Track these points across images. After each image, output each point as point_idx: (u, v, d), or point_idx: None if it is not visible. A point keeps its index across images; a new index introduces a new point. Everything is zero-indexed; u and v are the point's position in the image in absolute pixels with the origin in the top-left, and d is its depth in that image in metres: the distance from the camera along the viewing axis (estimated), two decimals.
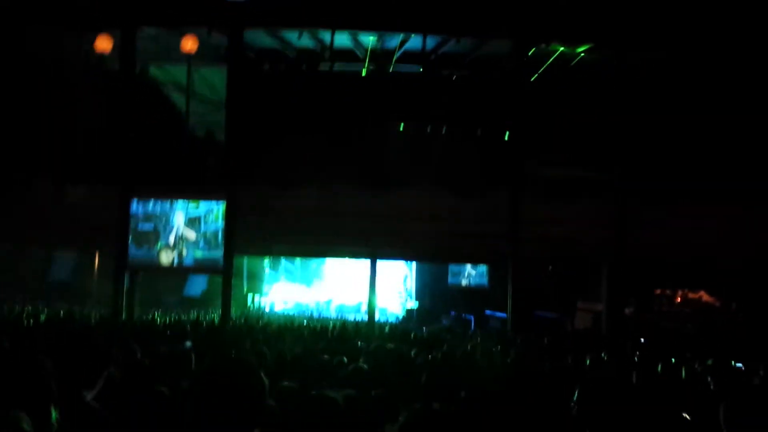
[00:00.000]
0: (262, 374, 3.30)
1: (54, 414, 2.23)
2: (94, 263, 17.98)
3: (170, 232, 13.51)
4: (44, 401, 2.42)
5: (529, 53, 13.85)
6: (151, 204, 13.56)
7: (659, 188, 13.11)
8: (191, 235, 13.47)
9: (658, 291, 16.62)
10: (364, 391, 3.61)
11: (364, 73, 15.10)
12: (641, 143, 13.39)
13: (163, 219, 13.54)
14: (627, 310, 15.04)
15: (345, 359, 5.21)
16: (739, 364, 7.21)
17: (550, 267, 16.53)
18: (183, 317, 13.73)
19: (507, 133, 14.10)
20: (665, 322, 15.59)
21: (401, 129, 14.81)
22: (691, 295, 16.37)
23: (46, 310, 13.15)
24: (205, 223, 13.50)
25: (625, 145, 13.43)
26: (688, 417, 2.82)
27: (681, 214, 12.99)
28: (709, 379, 5.40)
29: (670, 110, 13.15)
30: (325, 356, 5.43)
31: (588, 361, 6.74)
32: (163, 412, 3.12)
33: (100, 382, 3.07)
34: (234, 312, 14.76)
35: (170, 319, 12.59)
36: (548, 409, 3.09)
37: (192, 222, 13.50)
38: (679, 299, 16.60)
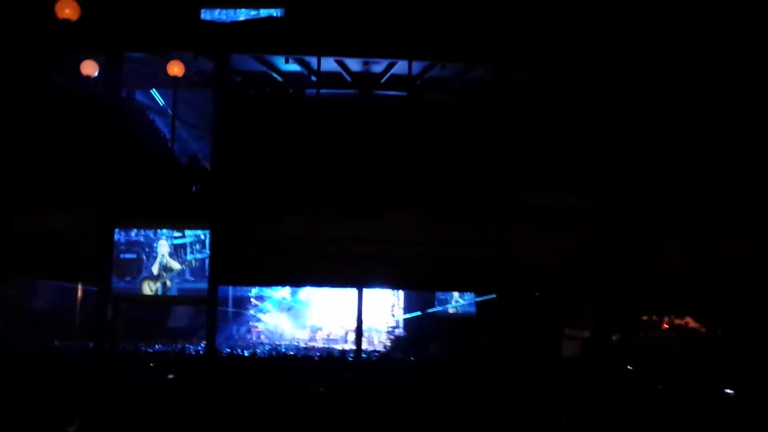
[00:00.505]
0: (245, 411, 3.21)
1: None
2: (77, 293, 17.70)
3: (153, 262, 13.38)
4: None
5: (514, 78, 14.02)
6: (133, 233, 13.44)
7: (647, 214, 13.22)
8: (175, 265, 13.35)
9: (645, 317, 16.63)
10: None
11: (349, 97, 15.20)
12: (629, 169, 13.52)
13: (146, 248, 13.41)
14: (614, 337, 15.01)
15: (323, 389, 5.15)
16: (729, 390, 7.21)
17: (537, 293, 16.51)
18: (168, 349, 13.55)
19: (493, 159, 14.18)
20: (652, 347, 15.58)
21: (387, 154, 14.84)
22: (677, 321, 16.41)
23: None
24: (192, 252, 13.40)
25: (613, 170, 13.56)
26: None
27: (668, 240, 13.09)
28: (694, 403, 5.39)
29: (658, 136, 13.33)
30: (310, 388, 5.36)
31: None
32: None
33: (78, 419, 3.00)
34: (219, 342, 14.56)
35: (155, 351, 12.41)
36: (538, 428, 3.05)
37: (177, 249, 13.38)
38: (665, 325, 16.62)
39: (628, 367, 12.18)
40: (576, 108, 14.11)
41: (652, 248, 13.11)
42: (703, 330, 15.87)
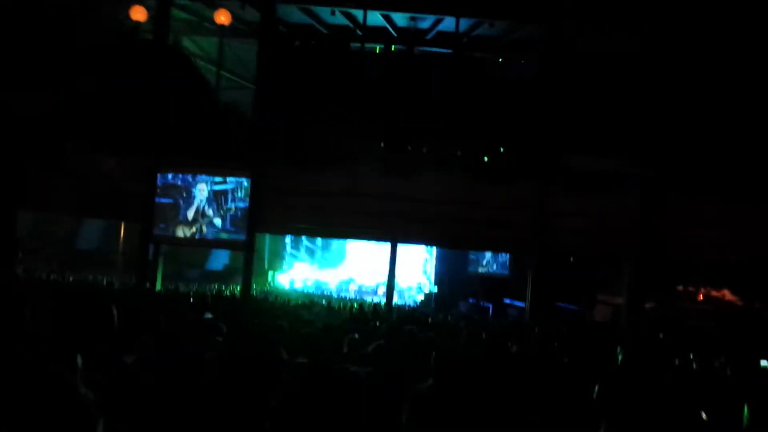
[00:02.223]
0: (281, 348, 3.35)
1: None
2: (120, 233, 18.26)
3: (189, 207, 13.46)
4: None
5: (563, 39, 13.66)
6: (170, 176, 13.50)
7: (687, 184, 12.92)
8: (211, 211, 13.46)
9: (681, 287, 16.43)
10: (384, 368, 3.65)
11: (394, 52, 15.02)
12: (675, 138, 13.18)
13: (183, 192, 13.52)
14: (647, 305, 14.90)
15: (357, 336, 5.26)
16: (765, 362, 7.15)
17: (572, 258, 16.41)
18: (205, 290, 13.91)
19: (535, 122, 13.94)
20: (686, 318, 15.43)
21: (429, 111, 14.71)
22: (713, 293, 16.17)
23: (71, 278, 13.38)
24: (233, 200, 13.48)
25: (656, 137, 13.23)
26: (705, 416, 2.80)
27: (708, 210, 12.81)
28: (729, 375, 5.37)
29: (704, 103, 12.92)
30: (342, 335, 5.49)
31: (608, 355, 6.72)
32: (190, 378, 3.18)
33: (137, 347, 3.16)
34: (255, 288, 14.91)
35: (192, 291, 12.77)
36: (566, 399, 3.10)
37: (216, 196, 13.53)
38: (701, 297, 16.40)
39: (660, 335, 12.11)
40: (627, 72, 13.71)
41: (694, 217, 12.85)
42: (739, 303, 15.63)
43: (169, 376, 3.14)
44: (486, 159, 13.92)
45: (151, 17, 13.71)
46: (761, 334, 13.06)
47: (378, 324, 7.43)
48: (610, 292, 15.56)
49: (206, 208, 13.49)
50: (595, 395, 3.18)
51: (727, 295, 15.94)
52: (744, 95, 12.89)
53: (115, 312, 3.26)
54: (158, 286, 13.73)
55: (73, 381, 1.62)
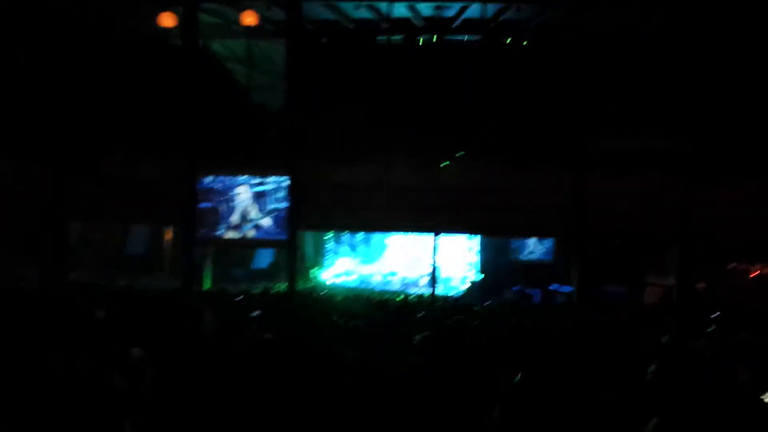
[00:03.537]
0: (329, 345, 3.36)
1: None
2: (167, 237, 18.63)
3: (233, 211, 13.63)
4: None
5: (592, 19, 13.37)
6: (207, 179, 13.67)
7: (733, 160, 12.55)
8: (258, 213, 13.62)
9: (732, 265, 15.98)
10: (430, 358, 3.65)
11: (421, 43, 14.94)
12: (714, 113, 12.80)
13: (224, 196, 13.68)
14: (698, 285, 14.54)
15: (402, 330, 5.27)
16: None
17: (618, 241, 16.11)
18: (252, 288, 14.10)
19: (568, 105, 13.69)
20: (739, 297, 15.01)
21: (458, 100, 14.56)
22: (766, 270, 15.68)
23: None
24: (275, 200, 13.61)
25: (697, 115, 12.88)
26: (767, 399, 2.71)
27: (754, 188, 12.43)
28: None
29: (746, 77, 12.50)
30: (389, 328, 5.51)
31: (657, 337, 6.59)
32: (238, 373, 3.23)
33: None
34: (299, 284, 15.05)
35: (240, 291, 12.95)
36: (622, 376, 3.05)
37: (258, 198, 13.69)
38: (754, 274, 15.92)
39: (712, 315, 11.82)
40: (658, 51, 13.35)
41: (739, 193, 12.47)
42: None
43: (220, 371, 3.20)
44: (519, 145, 13.73)
45: (180, 23, 13.91)
46: None
47: (422, 314, 7.43)
48: (660, 274, 15.24)
49: (249, 210, 13.66)
50: (649, 376, 3.12)
51: None
52: None
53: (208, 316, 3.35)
54: (206, 286, 13.99)
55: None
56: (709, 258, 14.50)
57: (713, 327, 8.72)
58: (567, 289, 14.99)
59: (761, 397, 2.74)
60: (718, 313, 11.32)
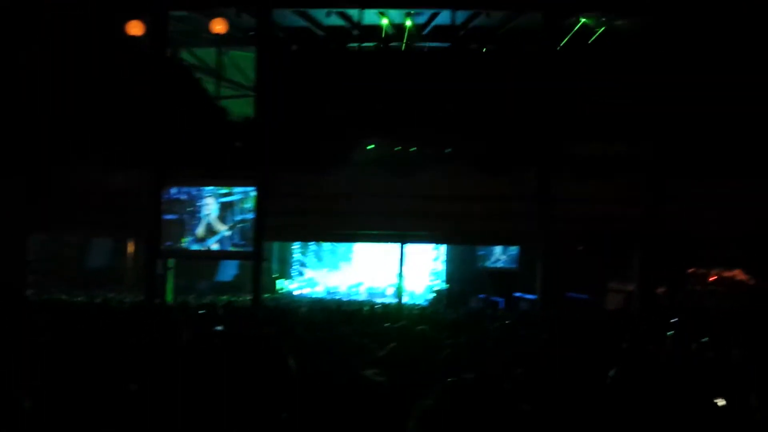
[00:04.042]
0: (291, 357, 3.33)
1: None
2: (128, 250, 18.32)
3: (199, 223, 13.43)
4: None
5: (560, 26, 13.61)
6: (173, 190, 13.46)
7: (692, 163, 12.85)
8: (221, 226, 13.45)
9: (692, 270, 16.35)
10: (397, 371, 3.64)
11: (391, 50, 15.00)
12: (674, 116, 13.10)
13: (189, 207, 13.49)
14: (660, 290, 14.84)
15: (369, 341, 5.24)
16: None
17: (581, 247, 16.35)
18: (216, 301, 13.91)
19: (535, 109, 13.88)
20: (699, 301, 15.35)
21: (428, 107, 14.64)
22: (726, 274, 16.08)
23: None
24: (241, 211, 13.44)
25: (657, 119, 13.16)
26: (721, 402, 2.77)
27: (715, 189, 12.73)
28: (742, 359, 5.33)
29: (705, 82, 12.84)
30: (355, 339, 5.48)
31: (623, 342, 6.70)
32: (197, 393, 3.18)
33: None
34: (265, 296, 14.91)
35: (203, 304, 12.77)
36: (583, 384, 3.08)
37: (224, 209, 13.52)
38: (713, 278, 16.31)
39: (673, 320, 12.05)
40: (620, 56, 13.65)
41: (699, 196, 12.76)
42: (752, 282, 15.53)
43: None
44: (488, 151, 13.84)
45: (148, 31, 13.74)
46: None
47: (387, 325, 7.41)
48: (621, 280, 15.50)
49: (216, 223, 13.48)
50: (608, 381, 3.16)
51: (739, 275, 15.85)
52: (737, 73, 12.78)
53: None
54: (168, 299, 13.77)
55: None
56: (669, 263, 14.81)
57: (672, 332, 8.89)
58: (531, 297, 15.14)
59: (714, 401, 2.80)
60: (676, 319, 11.54)
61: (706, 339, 7.50)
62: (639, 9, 13.24)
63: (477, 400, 2.68)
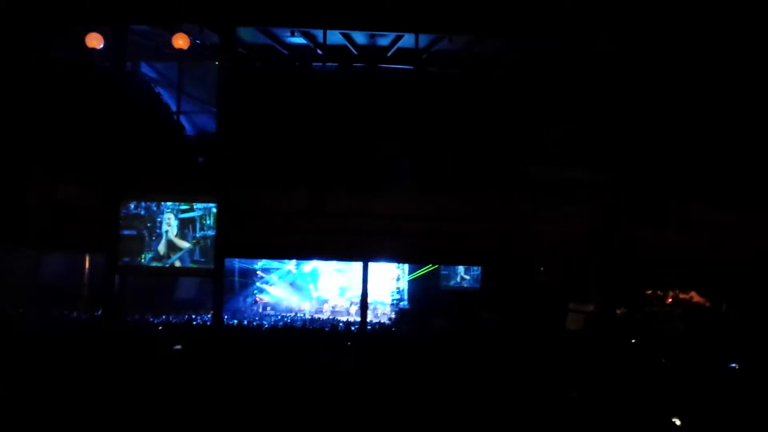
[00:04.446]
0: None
1: None
2: (84, 265, 17.85)
3: (157, 240, 13.16)
4: None
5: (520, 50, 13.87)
6: (132, 205, 13.20)
7: (650, 188, 13.15)
8: (183, 243, 13.21)
9: (650, 291, 16.68)
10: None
11: (354, 71, 15.09)
12: (633, 143, 13.41)
13: (148, 223, 13.23)
14: (619, 311, 15.07)
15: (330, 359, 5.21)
16: (733, 364, 7.25)
17: (542, 268, 16.54)
18: (174, 320, 13.65)
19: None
20: (656, 322, 15.65)
21: (391, 128, 14.73)
22: (681, 296, 16.44)
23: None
24: (201, 228, 13.23)
25: (617, 144, 13.46)
26: (678, 422, 2.82)
27: (671, 214, 13.05)
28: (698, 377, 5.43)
29: (662, 109, 13.19)
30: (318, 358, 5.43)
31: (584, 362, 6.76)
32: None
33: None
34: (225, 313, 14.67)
35: (160, 322, 12.51)
36: (546, 401, 3.09)
37: (185, 225, 13.30)
38: (670, 299, 16.67)
39: (632, 341, 12.25)
40: (581, 80, 13.96)
41: (656, 221, 13.06)
42: (707, 305, 15.91)
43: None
44: (448, 172, 13.96)
45: (108, 44, 13.54)
46: (728, 334, 13.31)
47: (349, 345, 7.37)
48: (581, 300, 15.71)
49: (176, 239, 13.23)
50: (573, 399, 3.17)
51: (695, 296, 16.23)
52: (698, 95, 13.18)
53: None
54: (125, 318, 13.44)
55: None
56: (628, 284, 15.07)
57: (632, 352, 9.04)
58: (494, 317, 15.23)
59: (672, 419, 2.84)
60: (633, 340, 11.75)
61: (663, 360, 7.63)
62: (600, 34, 13.57)
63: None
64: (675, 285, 16.38)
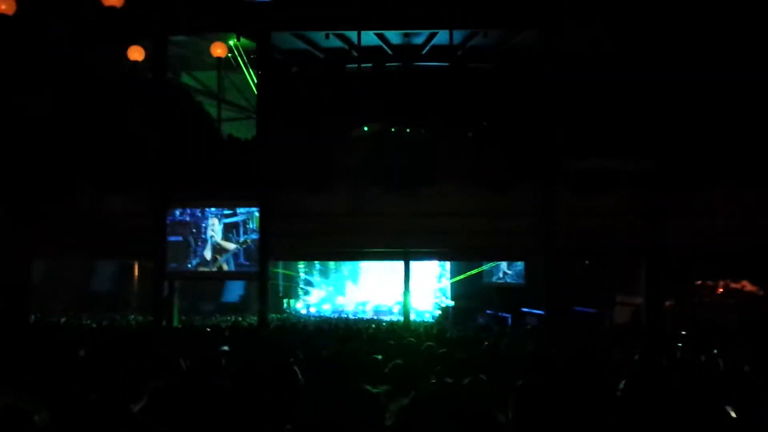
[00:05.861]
0: (299, 373, 3.33)
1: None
2: (134, 272, 18.34)
3: (203, 245, 13.40)
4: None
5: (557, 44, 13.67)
6: (177, 212, 13.50)
7: (697, 175, 12.81)
8: (229, 245, 13.44)
9: (699, 282, 16.25)
10: (401, 386, 3.63)
11: (390, 70, 15.12)
12: (677, 129, 13.08)
13: (193, 229, 13.49)
14: (667, 303, 14.73)
15: (380, 357, 5.24)
16: None
17: (587, 261, 16.29)
18: (221, 323, 13.90)
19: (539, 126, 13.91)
20: (707, 313, 15.25)
21: (431, 125, 14.68)
22: (733, 285, 15.96)
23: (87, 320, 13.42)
24: (245, 232, 13.45)
25: (661, 132, 13.14)
26: (732, 412, 2.75)
27: (721, 200, 12.68)
28: (748, 370, 5.29)
29: (705, 95, 12.84)
30: (360, 356, 5.47)
31: (631, 355, 6.67)
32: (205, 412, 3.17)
33: (146, 395, 3.14)
34: (271, 316, 14.87)
35: (209, 325, 12.76)
36: (589, 397, 3.06)
37: (229, 229, 13.53)
38: (720, 290, 16.21)
39: (682, 332, 11.97)
40: (623, 70, 13.68)
41: (702, 206, 12.70)
42: (761, 294, 15.42)
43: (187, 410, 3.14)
44: (491, 167, 13.85)
45: (149, 56, 13.88)
46: None
47: (392, 342, 7.40)
48: (629, 293, 15.41)
49: (220, 242, 13.48)
50: (619, 393, 3.14)
51: (747, 285, 15.75)
52: (735, 80, 12.78)
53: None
54: (175, 322, 13.74)
55: None
56: (677, 275, 14.71)
57: (681, 345, 8.83)
58: (539, 312, 15.07)
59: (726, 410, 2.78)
60: (683, 332, 11.46)
61: (715, 351, 7.45)
62: (637, 23, 13.29)
63: (444, 401, 2.69)
64: (726, 275, 15.92)
